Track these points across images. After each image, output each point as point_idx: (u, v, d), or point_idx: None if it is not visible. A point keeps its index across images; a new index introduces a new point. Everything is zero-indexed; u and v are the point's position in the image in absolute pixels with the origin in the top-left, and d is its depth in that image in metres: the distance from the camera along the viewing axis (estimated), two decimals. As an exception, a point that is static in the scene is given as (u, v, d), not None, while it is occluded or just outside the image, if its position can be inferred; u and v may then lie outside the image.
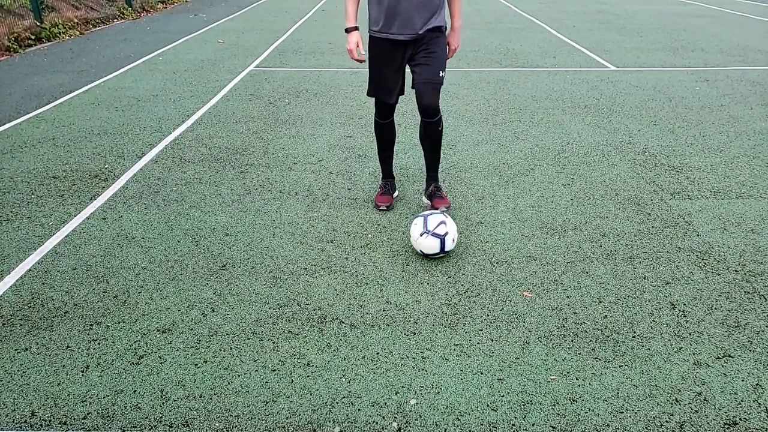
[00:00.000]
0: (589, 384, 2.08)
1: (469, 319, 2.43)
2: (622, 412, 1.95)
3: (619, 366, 2.16)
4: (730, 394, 2.03)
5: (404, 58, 3.04)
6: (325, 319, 2.43)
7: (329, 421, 1.93)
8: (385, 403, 2.00)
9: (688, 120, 4.95)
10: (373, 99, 3.24)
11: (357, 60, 3.04)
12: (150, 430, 1.90)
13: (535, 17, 11.00)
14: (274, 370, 2.15)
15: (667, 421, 1.92)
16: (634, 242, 3.02)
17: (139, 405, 1.99)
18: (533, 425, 1.91)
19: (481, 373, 2.13)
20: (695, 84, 6.12)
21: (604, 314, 2.45)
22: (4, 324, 2.41)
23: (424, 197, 3.47)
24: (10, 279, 2.72)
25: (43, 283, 2.68)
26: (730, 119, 4.96)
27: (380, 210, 3.36)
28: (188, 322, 2.41)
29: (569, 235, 3.09)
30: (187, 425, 1.91)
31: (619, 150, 4.29)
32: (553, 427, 1.90)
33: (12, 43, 7.95)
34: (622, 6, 12.57)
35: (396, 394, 2.04)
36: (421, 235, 2.78)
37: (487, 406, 1.99)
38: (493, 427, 1.91)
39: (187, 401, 2.01)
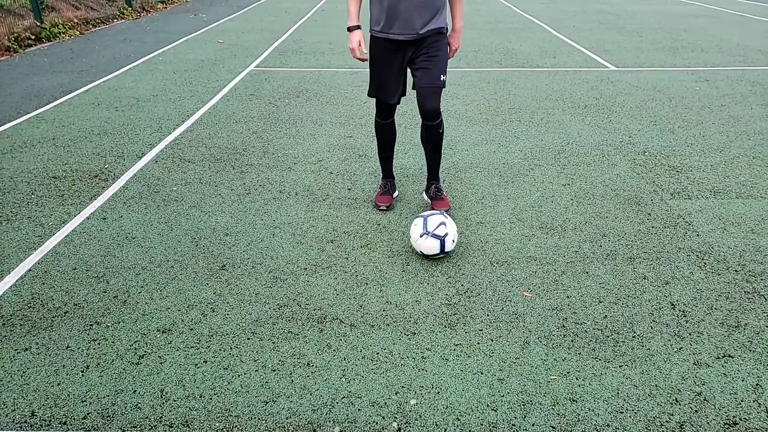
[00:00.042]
0: (589, 384, 2.08)
1: (469, 319, 2.43)
2: (622, 412, 1.95)
3: (619, 366, 2.16)
4: (730, 394, 2.03)
5: (405, 59, 3.03)
6: (325, 319, 2.43)
7: (329, 421, 1.93)
8: (385, 403, 2.00)
9: (688, 120, 4.95)
10: (374, 99, 3.23)
11: (359, 59, 3.04)
12: (150, 430, 1.90)
13: (535, 17, 11.00)
14: (274, 370, 2.15)
15: (667, 421, 1.92)
16: (634, 242, 3.02)
17: (139, 405, 1.99)
18: (533, 425, 1.91)
19: (481, 373, 2.13)
20: (695, 84, 6.12)
21: (604, 314, 2.45)
22: (4, 324, 2.41)
23: (425, 195, 3.47)
24: (10, 279, 2.72)
25: (43, 283, 2.68)
26: (730, 119, 4.96)
27: (380, 210, 3.36)
28: (188, 322, 2.41)
29: (569, 235, 3.09)
30: (187, 425, 1.91)
31: (619, 150, 4.29)
32: (553, 427, 1.90)
33: (12, 43, 7.95)
34: (622, 6, 12.57)
35: (396, 394, 2.04)
36: (421, 236, 2.78)
37: (487, 406, 1.99)
38: (493, 427, 1.91)
39: (187, 401, 2.01)
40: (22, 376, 2.12)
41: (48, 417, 1.95)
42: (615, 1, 13.45)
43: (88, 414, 1.96)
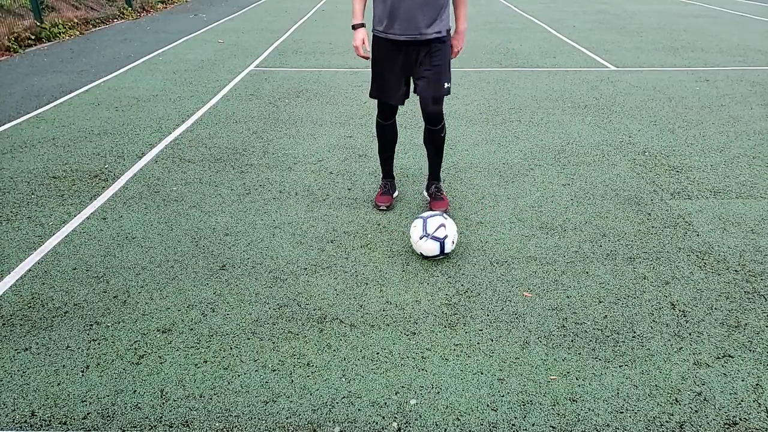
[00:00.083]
0: (589, 384, 2.08)
1: (469, 319, 2.43)
2: (622, 412, 1.95)
3: (619, 366, 2.16)
4: (730, 394, 2.03)
5: (407, 61, 3.00)
6: (325, 319, 2.43)
7: (329, 421, 1.93)
8: (385, 403, 2.00)
9: (688, 120, 4.95)
10: (375, 100, 3.22)
11: (362, 57, 3.03)
12: (150, 430, 1.90)
13: (535, 17, 11.00)
14: (274, 370, 2.15)
15: (667, 421, 1.92)
16: (634, 242, 3.02)
17: (139, 405, 1.99)
18: (533, 425, 1.91)
19: (481, 373, 2.13)
20: (695, 84, 6.12)
21: (604, 314, 2.45)
22: (4, 324, 2.41)
23: (425, 192, 3.48)
24: (10, 279, 2.72)
25: (43, 283, 2.68)
26: (730, 119, 4.96)
27: (380, 210, 3.36)
28: (188, 322, 2.41)
29: (569, 235, 3.09)
30: (187, 425, 1.91)
31: (619, 150, 4.29)
32: (553, 427, 1.90)
33: (12, 43, 7.95)
34: (622, 6, 12.57)
35: (396, 394, 2.04)
36: (421, 238, 2.78)
37: (487, 406, 1.99)
38: (493, 427, 1.91)
39: (187, 401, 2.01)
40: (22, 376, 2.12)
41: (48, 417, 1.95)
42: (615, 1, 13.45)
43: (88, 414, 1.96)
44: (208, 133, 4.70)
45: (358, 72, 6.71)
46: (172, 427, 1.91)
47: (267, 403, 2.00)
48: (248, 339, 2.31)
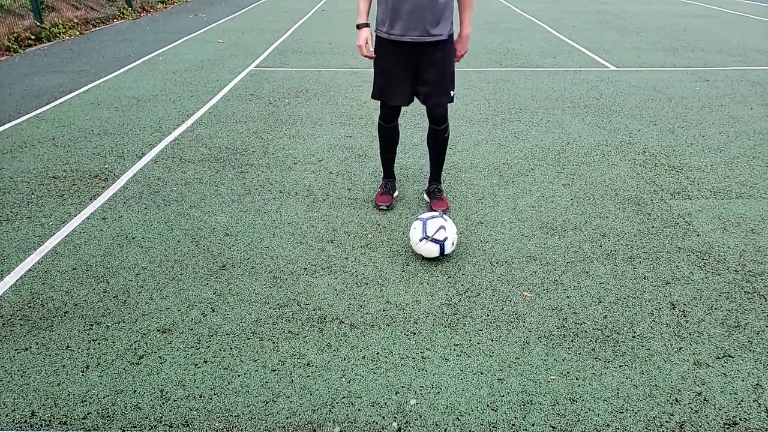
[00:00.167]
0: (589, 384, 2.08)
1: (469, 319, 2.43)
2: (622, 412, 1.95)
3: (619, 366, 2.16)
4: (730, 394, 2.03)
5: (410, 62, 2.98)
6: (325, 319, 2.43)
7: (329, 421, 1.93)
8: (385, 403, 2.00)
9: (688, 120, 4.95)
10: (377, 103, 3.21)
11: (366, 56, 3.03)
12: (150, 430, 1.90)
13: (535, 17, 11.00)
14: (274, 370, 2.15)
15: (667, 421, 1.92)
16: (634, 242, 3.02)
17: (139, 405, 1.99)
18: (533, 425, 1.91)
19: (481, 373, 2.13)
20: (695, 84, 6.12)
21: (604, 314, 2.45)
22: (4, 324, 2.41)
23: (425, 195, 3.48)
24: (10, 279, 2.72)
25: (43, 283, 2.68)
26: (730, 119, 4.96)
27: (380, 210, 3.36)
28: (188, 322, 2.41)
29: (569, 235, 3.09)
30: (187, 425, 1.91)
31: (619, 150, 4.29)
32: (553, 427, 1.90)
33: (12, 43, 7.95)
34: (622, 6, 12.57)
35: (396, 394, 2.04)
36: (421, 240, 2.78)
37: (487, 406, 1.99)
38: (493, 427, 1.91)
39: (187, 401, 2.01)
40: (22, 376, 2.12)
41: (48, 417, 1.95)
42: (615, 1, 13.45)
43: (88, 414, 1.96)
44: (208, 133, 4.70)
45: (358, 72, 6.71)
46: (172, 427, 1.91)
47: (267, 403, 2.00)
48: (248, 339, 2.32)
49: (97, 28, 10.03)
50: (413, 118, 4.93)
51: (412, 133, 4.58)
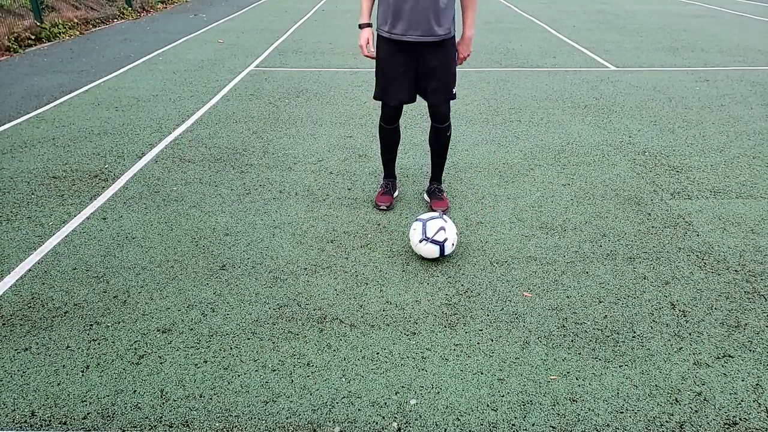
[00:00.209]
0: (589, 384, 2.08)
1: (469, 319, 2.43)
2: (622, 412, 1.95)
3: (619, 366, 2.16)
4: (730, 394, 2.03)
5: (411, 62, 2.97)
6: (325, 319, 2.43)
7: (329, 421, 1.93)
8: (385, 403, 2.00)
9: (688, 120, 4.95)
10: (377, 103, 3.20)
11: (367, 56, 3.03)
12: (150, 430, 1.90)
13: (535, 17, 11.00)
14: (274, 370, 2.15)
15: (667, 421, 1.92)
16: (634, 242, 3.02)
17: (139, 405, 1.99)
18: (533, 425, 1.91)
19: (481, 373, 2.13)
20: (695, 84, 6.12)
21: (604, 314, 2.45)
22: (4, 324, 2.41)
23: (425, 195, 3.48)
24: (10, 279, 2.72)
25: (43, 283, 2.68)
26: (730, 119, 4.96)
27: (380, 210, 3.36)
28: (188, 322, 2.41)
29: (569, 235, 3.09)
30: (187, 425, 1.91)
31: (619, 150, 4.29)
32: (553, 427, 1.90)
33: (12, 43, 7.95)
34: (622, 6, 12.57)
35: (396, 394, 2.04)
36: (420, 241, 2.77)
37: (487, 406, 1.99)
38: (493, 427, 1.91)
39: (187, 401, 2.01)
40: (22, 376, 2.12)
41: (48, 417, 1.95)
42: (615, 1, 13.45)
43: (88, 414, 1.96)
44: (208, 133, 4.70)
45: (358, 72, 6.71)
46: (172, 427, 1.91)
47: (267, 403, 2.00)
48: (248, 339, 2.32)
49: (97, 28, 10.04)
50: (413, 118, 4.93)
51: (413, 133, 4.58)
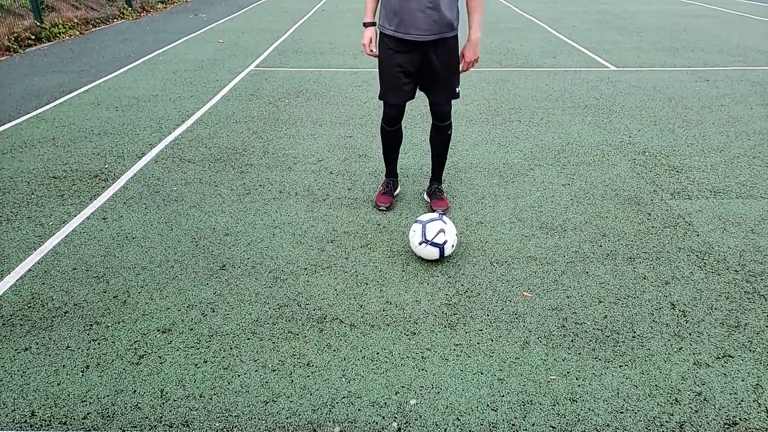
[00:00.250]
0: (589, 384, 2.08)
1: (469, 319, 2.43)
2: (622, 412, 1.95)
3: (619, 366, 2.16)
4: (730, 394, 2.03)
5: (414, 60, 2.95)
6: (325, 319, 2.43)
7: (329, 421, 1.93)
8: (385, 403, 2.00)
9: (688, 120, 4.95)
10: (378, 103, 3.19)
11: (370, 55, 3.02)
12: (150, 430, 1.90)
13: (535, 17, 11.00)
14: (274, 370, 2.15)
15: (667, 421, 1.92)
16: (634, 242, 3.02)
17: (139, 405, 1.99)
18: (533, 425, 1.91)
19: (481, 373, 2.13)
20: (695, 84, 6.12)
21: (604, 314, 2.45)
22: (4, 324, 2.41)
23: (425, 195, 3.48)
24: (10, 279, 2.72)
25: (43, 283, 2.68)
26: (730, 119, 4.96)
27: (380, 210, 3.36)
28: (188, 322, 2.41)
29: (569, 235, 3.09)
30: (187, 425, 1.91)
31: (619, 150, 4.29)
32: (553, 427, 1.90)
33: (12, 43, 7.95)
34: (622, 6, 12.57)
35: (396, 394, 2.04)
36: (420, 244, 2.77)
37: (487, 406, 1.99)
38: (493, 427, 1.91)
39: (187, 401, 2.01)
40: (22, 376, 2.12)
41: (48, 417, 1.95)
42: (615, 1, 13.45)
43: (88, 414, 1.96)
44: (208, 133, 4.70)
45: (358, 72, 6.71)
46: (172, 427, 1.91)
47: (267, 403, 2.00)
48: (248, 339, 2.31)
49: (97, 28, 10.04)
50: (413, 118, 4.93)
51: (413, 133, 4.58)
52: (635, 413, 1.95)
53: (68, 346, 2.27)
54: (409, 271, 2.78)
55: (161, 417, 1.94)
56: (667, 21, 10.44)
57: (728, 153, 4.21)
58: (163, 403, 2.00)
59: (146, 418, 1.94)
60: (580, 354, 2.22)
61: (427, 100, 3.15)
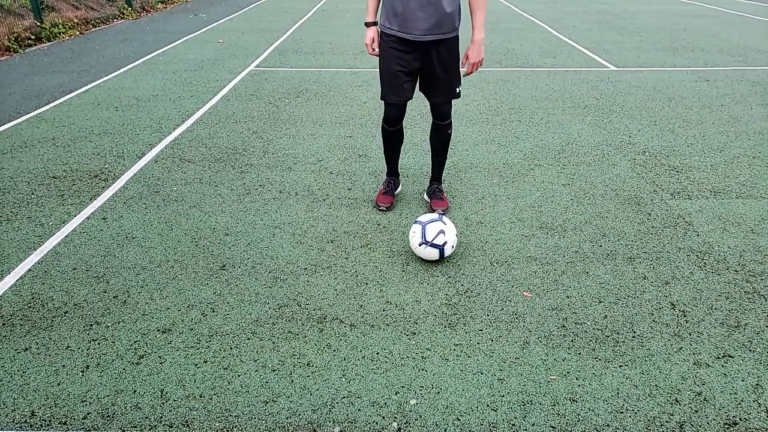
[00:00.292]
0: (589, 384, 2.08)
1: (469, 319, 2.43)
2: (622, 412, 1.95)
3: (619, 366, 2.16)
4: (730, 394, 2.03)
5: (414, 59, 2.94)
6: (325, 319, 2.43)
7: (329, 421, 1.93)
8: (385, 403, 2.00)
9: (688, 120, 4.95)
10: (378, 103, 3.19)
11: (373, 55, 3.02)
12: (150, 430, 1.90)
13: (535, 17, 11.00)
14: (274, 370, 2.15)
15: (667, 421, 1.92)
16: (634, 242, 3.02)
17: (139, 405, 1.99)
18: (533, 425, 1.91)
19: (481, 373, 2.13)
20: (695, 84, 6.12)
21: (604, 314, 2.45)
22: (4, 324, 2.41)
23: (425, 195, 3.48)
24: (10, 279, 2.72)
25: (43, 283, 2.68)
26: (730, 119, 4.96)
27: (380, 210, 3.36)
28: (188, 322, 2.41)
29: (569, 235, 3.09)
30: (187, 425, 1.91)
31: (619, 150, 4.29)
32: (553, 427, 1.90)
33: (12, 43, 7.95)
34: (622, 6, 12.57)
35: (396, 394, 2.04)
36: (420, 245, 2.77)
37: (487, 406, 1.99)
38: (493, 427, 1.91)
39: (187, 401, 2.01)
40: (22, 376, 2.12)
41: (48, 417, 1.95)
42: (615, 1, 13.45)
43: (88, 414, 1.96)
44: (208, 133, 4.70)
45: (358, 72, 6.71)
46: (172, 427, 1.91)
47: (267, 403, 2.00)
48: (248, 339, 2.31)
49: (97, 28, 10.04)
50: (413, 118, 4.93)
51: (413, 133, 4.58)
52: (635, 413, 1.95)
53: (68, 346, 2.27)
54: (409, 271, 2.78)
55: (161, 417, 1.94)
56: (667, 21, 10.44)
57: (728, 153, 4.21)
58: (163, 403, 2.00)
59: (146, 418, 1.94)
60: (580, 354, 2.22)
61: (429, 107, 3.15)
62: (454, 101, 3.15)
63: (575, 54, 7.66)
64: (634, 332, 2.34)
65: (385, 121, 3.19)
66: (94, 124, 4.92)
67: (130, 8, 11.51)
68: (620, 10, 11.96)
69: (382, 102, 3.14)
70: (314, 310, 2.49)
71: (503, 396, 2.03)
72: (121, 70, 6.86)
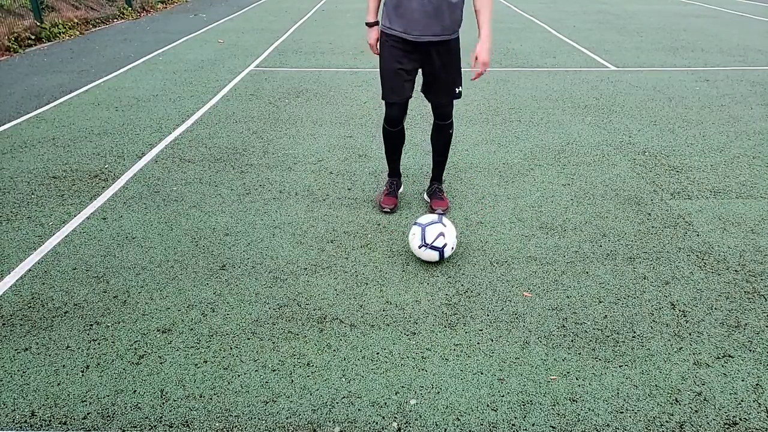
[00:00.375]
0: (589, 384, 2.08)
1: (469, 319, 2.43)
2: (622, 412, 1.95)
3: (619, 366, 2.16)
4: (730, 394, 2.03)
5: (415, 60, 2.94)
6: (325, 319, 2.43)
7: (329, 421, 1.93)
8: (385, 403, 2.00)
9: (688, 120, 4.95)
10: (378, 102, 3.19)
11: (376, 54, 3.02)
12: (150, 430, 1.90)
13: (535, 17, 11.00)
14: (274, 370, 2.15)
15: (667, 421, 1.92)
16: (634, 242, 3.02)
17: (139, 405, 1.99)
18: (533, 425, 1.91)
19: (481, 373, 2.13)
20: (695, 84, 6.12)
21: (604, 314, 2.45)
22: (4, 324, 2.41)
23: (425, 195, 3.48)
24: (10, 279, 2.72)
25: (43, 283, 2.68)
26: (730, 119, 4.96)
27: (383, 212, 3.35)
28: (188, 322, 2.41)
29: (569, 235, 3.09)
30: (187, 425, 1.91)
31: (619, 150, 4.29)
32: (553, 427, 1.90)
33: (12, 43, 7.95)
34: (622, 6, 12.57)
35: (396, 394, 2.04)
36: (420, 247, 2.76)
37: (487, 406, 1.99)
38: (493, 427, 1.91)
39: (187, 401, 2.01)
40: (22, 376, 2.12)
41: (48, 417, 1.95)
42: (615, 1, 13.45)
43: (88, 414, 1.96)
44: (208, 133, 4.70)
45: (358, 72, 6.71)
46: (172, 427, 1.91)
47: (267, 403, 2.00)
48: (248, 339, 2.31)
49: (97, 28, 10.04)
50: (414, 118, 4.93)
51: (413, 133, 4.58)
52: (635, 413, 1.95)
53: (68, 346, 2.27)
54: (409, 271, 2.78)
55: (161, 417, 1.94)
56: (667, 21, 10.44)
57: (728, 153, 4.21)
58: (163, 403, 2.00)
59: (146, 418, 1.94)
60: (580, 354, 2.22)
61: (431, 107, 3.15)
62: (454, 101, 3.15)
63: (575, 54, 7.66)
64: (634, 332, 2.34)
65: (386, 121, 3.18)
66: (94, 124, 4.92)
67: (130, 8, 11.51)
68: (620, 10, 11.96)
69: (383, 102, 3.14)
70: (314, 310, 2.49)
71: (503, 396, 2.03)
72: (121, 70, 6.86)
